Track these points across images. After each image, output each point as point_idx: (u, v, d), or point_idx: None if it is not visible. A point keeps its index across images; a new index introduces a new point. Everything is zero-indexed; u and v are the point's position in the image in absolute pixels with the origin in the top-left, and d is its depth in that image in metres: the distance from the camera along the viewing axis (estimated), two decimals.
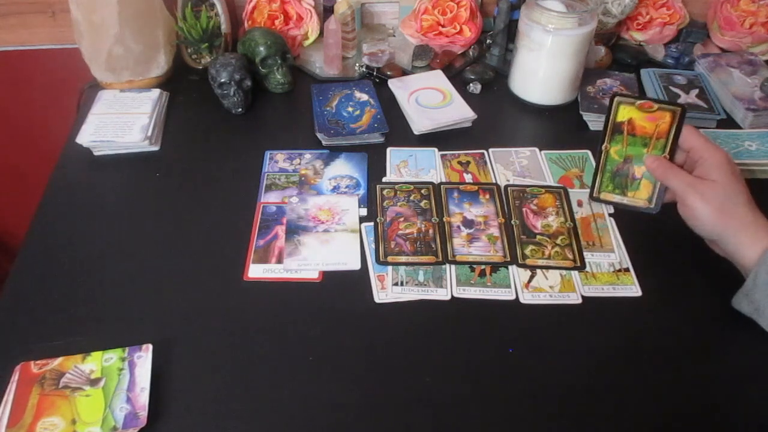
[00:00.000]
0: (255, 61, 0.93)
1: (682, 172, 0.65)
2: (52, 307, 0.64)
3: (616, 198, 0.67)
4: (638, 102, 0.68)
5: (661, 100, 0.69)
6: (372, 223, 0.74)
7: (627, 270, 0.69)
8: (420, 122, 0.87)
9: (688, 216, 0.64)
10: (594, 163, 0.83)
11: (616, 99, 0.68)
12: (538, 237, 0.72)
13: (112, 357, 0.58)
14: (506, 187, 0.79)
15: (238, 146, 0.86)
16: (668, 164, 0.66)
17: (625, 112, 0.69)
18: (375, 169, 0.82)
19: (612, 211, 0.75)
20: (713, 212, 0.62)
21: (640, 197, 0.67)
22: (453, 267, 0.69)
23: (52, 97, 1.12)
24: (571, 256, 0.70)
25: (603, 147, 0.70)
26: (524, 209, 0.76)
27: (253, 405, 0.56)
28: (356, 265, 0.69)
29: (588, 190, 0.73)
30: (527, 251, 0.71)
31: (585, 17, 0.86)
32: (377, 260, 0.69)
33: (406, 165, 0.83)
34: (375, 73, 0.98)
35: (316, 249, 0.71)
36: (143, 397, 0.55)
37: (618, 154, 0.69)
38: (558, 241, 0.72)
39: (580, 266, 0.69)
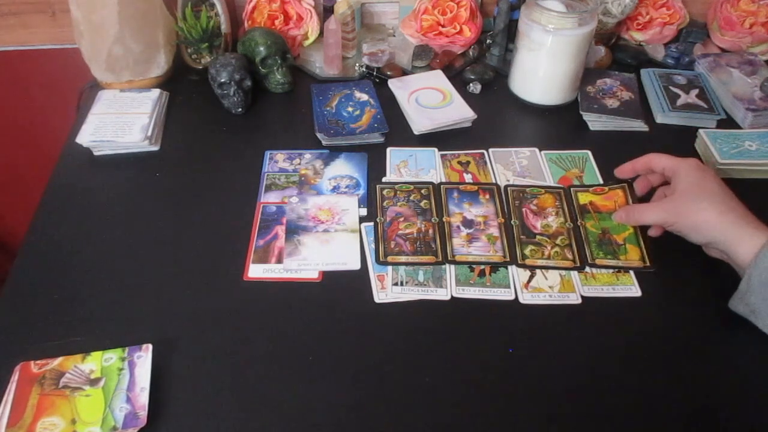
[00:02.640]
0: (255, 61, 0.93)
1: (650, 205, 0.69)
2: (52, 307, 0.64)
3: (612, 262, 0.69)
4: (591, 188, 0.78)
5: (607, 183, 0.78)
6: (372, 223, 0.74)
7: (627, 270, 0.69)
8: (420, 122, 0.87)
9: (676, 231, 0.66)
10: (595, 165, 0.83)
11: (572, 190, 0.78)
12: (537, 237, 0.72)
13: (112, 357, 0.58)
14: (506, 187, 0.79)
15: (238, 146, 0.86)
16: (634, 207, 0.71)
17: (584, 197, 0.77)
18: (375, 169, 0.82)
19: None
20: (690, 219, 0.63)
21: (632, 259, 0.70)
22: (452, 267, 0.69)
23: (52, 97, 1.12)
24: (570, 257, 0.70)
25: (579, 223, 0.74)
26: (524, 209, 0.76)
27: (253, 405, 0.56)
28: (356, 265, 0.69)
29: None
30: (527, 251, 0.71)
31: (585, 17, 0.86)
32: (377, 260, 0.69)
33: (406, 165, 0.83)
34: (375, 73, 0.98)
35: (316, 249, 0.71)
36: (143, 397, 0.55)
37: (594, 227, 0.73)
38: (558, 242, 0.72)
39: (580, 266, 0.69)
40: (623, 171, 0.74)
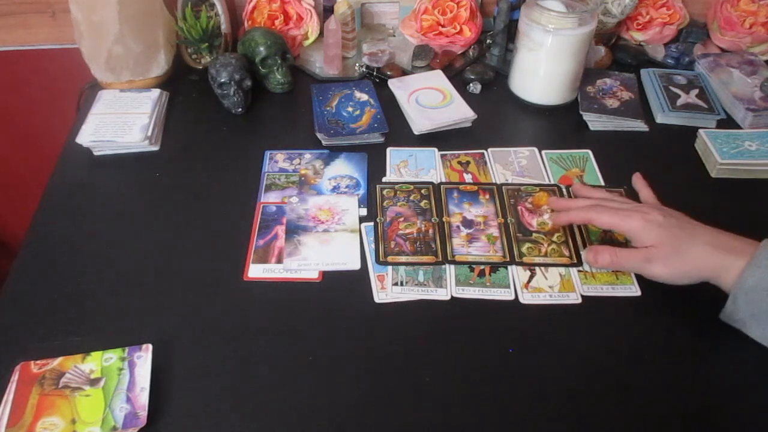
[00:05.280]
0: (255, 61, 0.93)
1: (631, 252, 0.65)
2: (52, 307, 0.64)
3: None
4: None
5: (606, 186, 0.79)
6: (372, 223, 0.74)
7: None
8: (420, 122, 0.87)
9: (663, 281, 0.64)
10: (596, 165, 0.83)
11: (570, 190, 0.78)
12: (534, 235, 0.72)
13: (112, 357, 0.58)
14: (501, 185, 0.79)
15: (238, 146, 0.86)
16: (610, 251, 0.66)
17: None
18: (375, 169, 0.82)
19: None
20: (677, 270, 0.62)
21: None
22: (452, 267, 0.69)
23: (52, 97, 1.12)
24: (567, 253, 0.70)
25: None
26: (519, 208, 0.76)
27: (253, 405, 0.56)
28: (356, 265, 0.69)
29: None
30: (524, 249, 0.71)
31: (585, 17, 0.86)
32: (377, 260, 0.69)
33: (406, 165, 0.83)
34: (375, 73, 0.98)
35: (316, 249, 0.71)
36: (143, 397, 0.55)
37: (596, 226, 0.72)
38: (554, 239, 0.72)
39: (577, 263, 0.69)
40: (559, 222, 0.71)
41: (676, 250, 0.62)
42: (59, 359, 0.58)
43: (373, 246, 0.71)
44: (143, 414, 0.54)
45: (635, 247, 0.65)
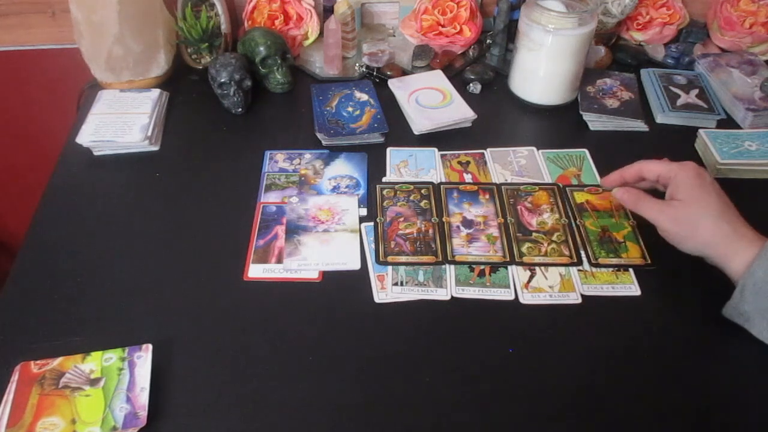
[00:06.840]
0: (255, 61, 0.93)
1: (651, 198, 0.66)
2: (52, 307, 0.64)
3: (614, 260, 0.70)
4: (586, 188, 0.79)
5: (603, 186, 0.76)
6: (372, 223, 0.74)
7: (627, 268, 0.69)
8: (420, 122, 0.87)
9: (668, 239, 0.65)
10: (592, 164, 0.83)
11: (567, 189, 0.78)
12: (534, 234, 0.73)
13: (112, 357, 0.58)
14: (500, 185, 0.79)
15: (238, 146, 0.86)
16: (636, 193, 0.68)
17: (580, 197, 0.78)
18: (375, 169, 0.82)
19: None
20: (687, 232, 0.63)
21: (634, 256, 0.70)
22: (452, 267, 0.69)
23: (52, 97, 1.13)
24: (567, 253, 0.70)
25: (578, 222, 0.74)
26: (519, 207, 0.76)
27: (253, 405, 0.56)
28: (356, 265, 0.69)
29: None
30: (524, 249, 0.71)
31: (585, 17, 0.86)
32: (377, 260, 0.69)
33: (406, 165, 0.83)
34: (375, 73, 0.98)
35: (316, 249, 0.71)
36: (143, 397, 0.55)
37: (594, 225, 0.74)
38: (554, 238, 0.72)
39: (577, 262, 0.69)
40: (611, 181, 0.72)
41: (700, 214, 0.62)
42: (59, 359, 0.58)
43: (373, 246, 0.71)
44: (143, 414, 0.54)
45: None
